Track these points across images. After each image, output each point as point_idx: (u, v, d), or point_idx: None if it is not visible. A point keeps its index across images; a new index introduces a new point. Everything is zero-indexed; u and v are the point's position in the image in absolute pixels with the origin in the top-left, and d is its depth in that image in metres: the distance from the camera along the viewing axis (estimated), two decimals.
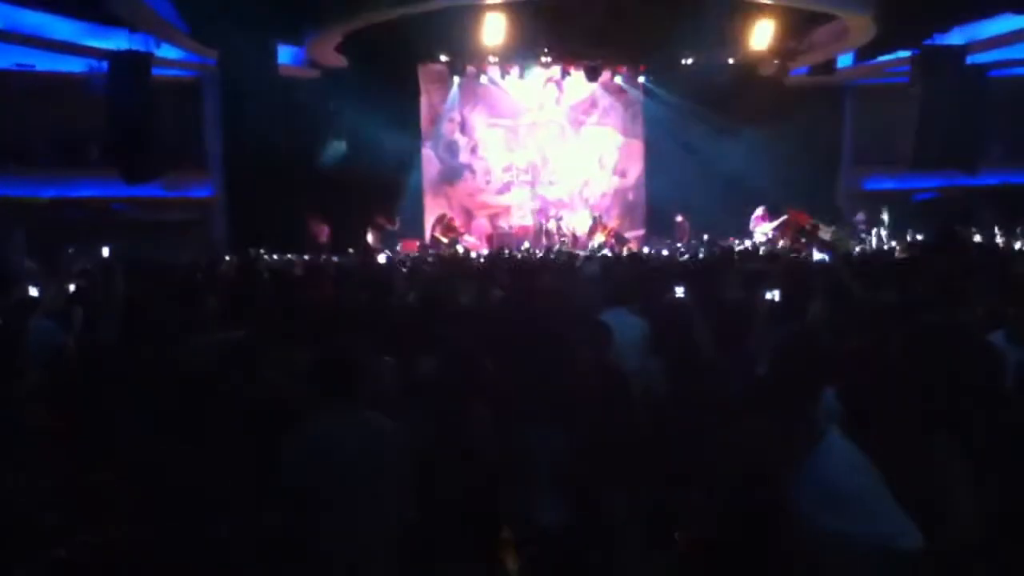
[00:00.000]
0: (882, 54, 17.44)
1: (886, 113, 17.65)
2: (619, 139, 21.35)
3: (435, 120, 20.47)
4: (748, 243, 17.47)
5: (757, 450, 3.63)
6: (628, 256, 13.12)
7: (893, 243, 15.60)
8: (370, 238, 17.82)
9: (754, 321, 5.00)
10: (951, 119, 15.74)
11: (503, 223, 20.60)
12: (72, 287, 8.53)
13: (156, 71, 14.78)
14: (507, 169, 20.88)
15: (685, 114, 19.37)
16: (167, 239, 16.38)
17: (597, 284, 7.30)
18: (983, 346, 3.63)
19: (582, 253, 15.64)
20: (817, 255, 12.01)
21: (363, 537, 3.14)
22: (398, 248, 17.96)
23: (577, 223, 20.27)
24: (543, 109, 20.73)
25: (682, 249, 16.74)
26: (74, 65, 15.44)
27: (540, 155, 20.95)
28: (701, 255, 14.34)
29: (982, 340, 3.76)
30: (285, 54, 16.10)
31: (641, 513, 3.23)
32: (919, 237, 14.38)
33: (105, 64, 14.43)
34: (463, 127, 20.63)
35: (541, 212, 20.57)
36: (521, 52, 17.93)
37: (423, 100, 20.16)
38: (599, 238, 19.08)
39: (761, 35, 16.47)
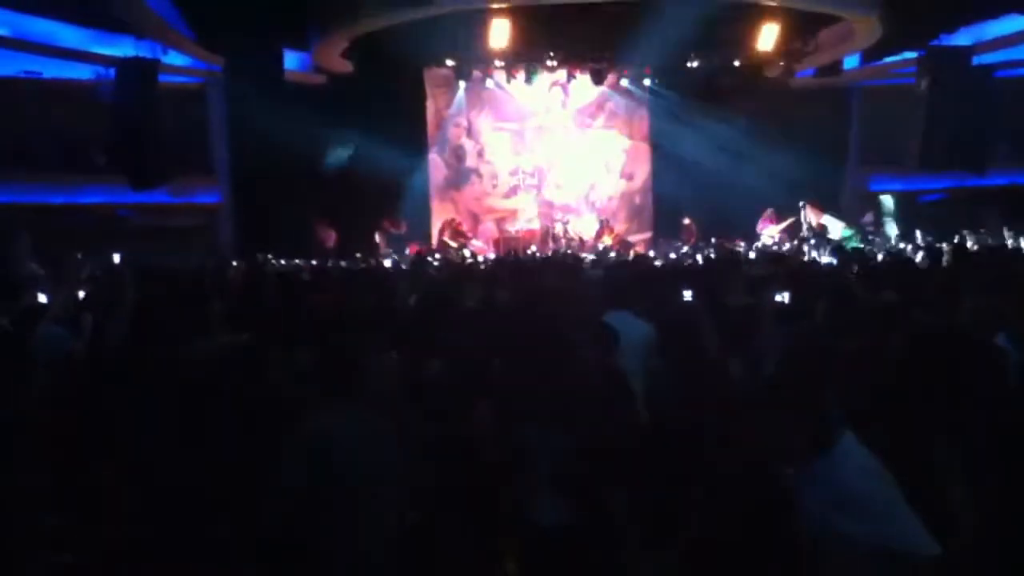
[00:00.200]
0: (888, 55, 17.41)
1: (892, 114, 17.58)
2: (625, 142, 21.33)
3: (441, 125, 20.50)
4: (759, 244, 17.50)
5: (764, 450, 3.64)
6: (633, 259, 13.12)
7: (901, 244, 15.57)
8: (377, 242, 17.90)
9: (760, 323, 5.00)
10: (958, 120, 15.69)
11: (510, 227, 20.58)
12: (81, 293, 8.57)
13: (163, 77, 14.83)
14: (513, 173, 20.88)
15: (691, 116, 19.32)
16: (174, 245, 16.43)
17: (602, 286, 7.30)
18: (984, 347, 3.64)
19: (588, 256, 15.62)
20: (825, 258, 11.98)
21: (363, 537, 3.14)
22: (406, 252, 17.98)
23: (584, 227, 20.27)
24: (549, 113, 20.73)
25: (689, 252, 16.72)
26: (81, 72, 15.52)
27: (546, 159, 20.95)
28: (704, 257, 14.32)
29: (983, 341, 3.76)
30: (291, 60, 16.14)
31: (642, 513, 3.23)
32: (928, 242, 14.33)
33: (112, 71, 14.49)
34: (469, 131, 20.65)
35: (548, 216, 20.54)
36: (527, 56, 17.94)
37: (429, 105, 20.19)
38: (606, 241, 19.08)
39: (767, 37, 16.45)
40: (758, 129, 18.09)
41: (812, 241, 16.84)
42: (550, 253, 17.22)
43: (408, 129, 19.16)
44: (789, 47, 17.41)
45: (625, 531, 3.19)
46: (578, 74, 19.28)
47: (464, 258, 16.46)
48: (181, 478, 3.08)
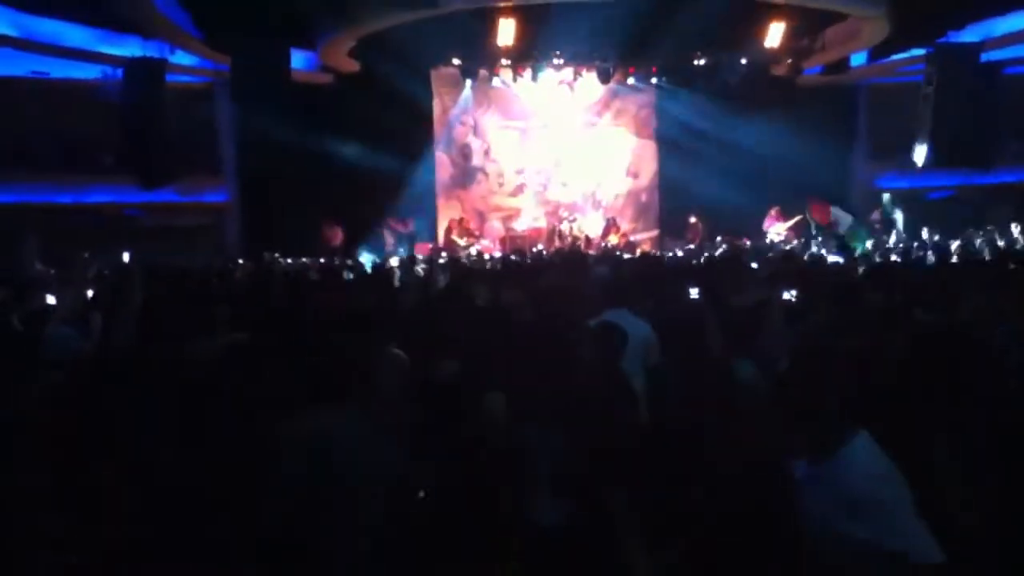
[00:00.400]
0: (895, 53, 17.36)
1: (900, 112, 17.55)
2: (632, 140, 21.32)
3: (448, 124, 20.53)
4: (769, 239, 17.49)
5: (767, 450, 3.65)
6: (638, 257, 13.12)
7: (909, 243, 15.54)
8: (386, 240, 17.98)
9: (767, 322, 4.99)
10: (965, 117, 15.65)
11: (516, 226, 20.60)
12: (90, 293, 8.62)
13: (170, 77, 14.89)
14: (520, 172, 20.90)
15: (698, 114, 19.30)
16: (181, 244, 16.51)
17: (605, 284, 7.31)
18: (984, 347, 3.64)
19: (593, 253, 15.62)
20: (832, 257, 11.97)
21: (363, 537, 3.15)
22: (413, 251, 18.01)
23: (590, 225, 20.27)
24: (555, 111, 20.72)
25: (695, 250, 16.72)
26: (88, 72, 15.59)
27: (553, 157, 20.95)
28: (707, 255, 14.31)
29: (984, 340, 3.77)
30: (298, 59, 16.18)
31: (643, 514, 3.23)
32: (935, 242, 14.28)
33: (119, 71, 14.56)
34: (476, 130, 20.68)
35: (554, 214, 20.55)
36: (533, 54, 17.95)
37: (436, 104, 20.23)
38: (612, 240, 19.09)
39: (774, 34, 16.43)
40: (765, 127, 18.07)
41: (819, 238, 16.82)
42: (555, 251, 17.22)
43: (414, 128, 19.20)
44: (796, 44, 17.39)
45: (625, 531, 3.19)
46: (584, 72, 19.27)
47: (471, 256, 16.49)
48: (181, 478, 3.09)
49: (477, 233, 19.65)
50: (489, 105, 20.58)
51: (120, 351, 4.68)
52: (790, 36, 16.66)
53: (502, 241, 19.87)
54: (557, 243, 19.18)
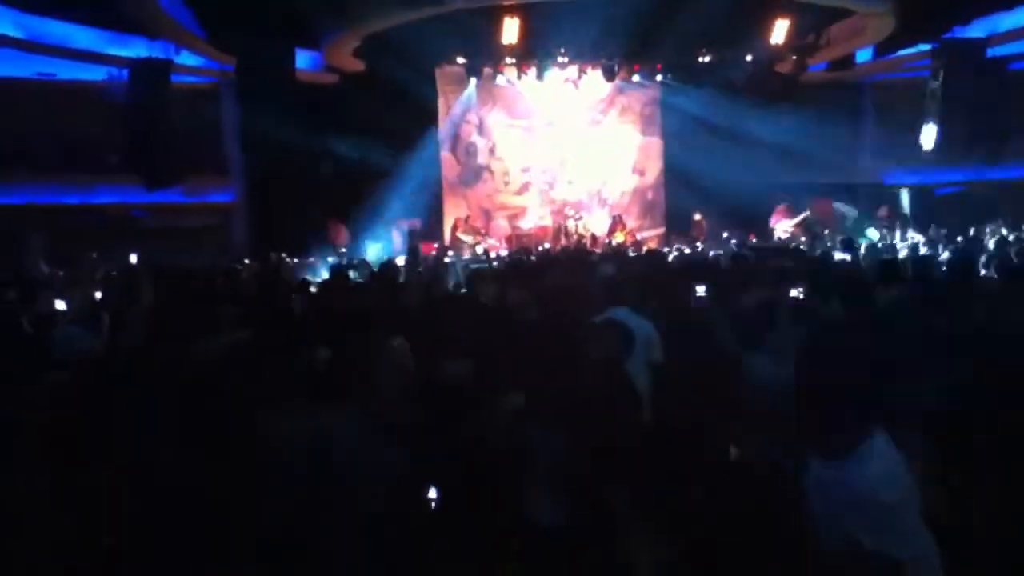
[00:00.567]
0: (901, 48, 17.31)
1: (906, 108, 17.49)
2: (637, 138, 21.28)
3: (453, 122, 20.52)
4: (776, 236, 17.46)
5: (772, 450, 3.64)
6: (642, 255, 13.10)
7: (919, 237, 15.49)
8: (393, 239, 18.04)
9: (775, 319, 4.98)
10: (972, 112, 15.60)
11: (522, 224, 20.58)
12: (99, 294, 8.66)
13: (175, 78, 14.93)
14: (525, 170, 20.88)
15: (703, 111, 19.25)
16: (187, 245, 16.55)
17: (609, 283, 7.30)
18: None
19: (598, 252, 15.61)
20: (839, 255, 11.94)
21: (363, 537, 3.15)
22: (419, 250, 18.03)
23: (596, 223, 20.25)
24: (560, 109, 20.69)
25: (702, 248, 16.69)
26: (94, 73, 15.63)
27: (558, 155, 20.92)
28: (718, 253, 14.27)
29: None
30: (303, 59, 16.20)
31: (644, 513, 3.22)
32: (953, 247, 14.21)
33: (125, 72, 14.60)
34: (481, 129, 20.66)
35: (560, 213, 20.52)
36: (538, 52, 17.93)
37: (441, 103, 20.20)
38: (619, 238, 19.06)
39: (779, 31, 16.39)
40: (771, 123, 18.02)
41: (824, 236, 16.79)
42: (560, 249, 17.21)
43: (420, 127, 19.20)
44: (801, 41, 17.34)
45: (626, 531, 3.18)
46: (589, 70, 19.22)
47: (477, 255, 16.50)
48: (181, 478, 3.10)
49: (483, 232, 19.64)
50: (494, 103, 20.56)
51: (127, 351, 4.70)
52: (795, 33, 16.62)
53: (508, 239, 19.85)
54: (563, 241, 19.17)
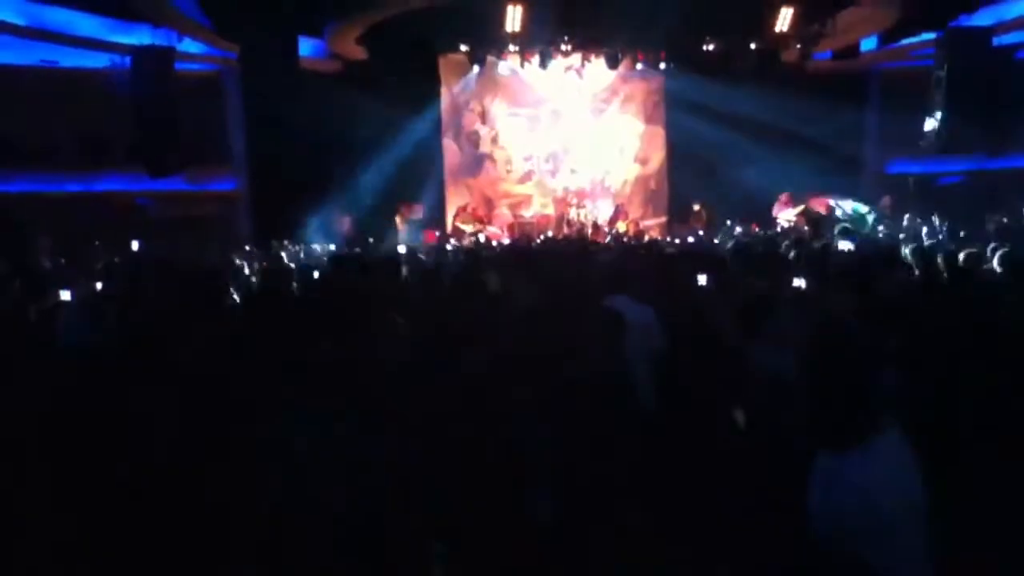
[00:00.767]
0: (906, 37, 17.23)
1: (911, 97, 17.43)
2: (640, 127, 21.24)
3: (456, 111, 20.49)
4: (779, 225, 17.42)
5: (775, 443, 3.65)
6: (644, 244, 13.10)
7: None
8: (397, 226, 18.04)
9: (777, 309, 4.98)
10: (977, 101, 15.54)
11: (524, 212, 20.57)
12: (101, 284, 8.67)
13: (179, 65, 14.91)
14: (528, 158, 20.85)
15: (707, 100, 19.17)
16: (192, 233, 16.54)
17: (607, 271, 7.31)
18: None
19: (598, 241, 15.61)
20: (842, 244, 11.92)
21: (358, 535, 3.16)
22: (421, 238, 18.05)
23: (599, 212, 20.23)
24: (563, 98, 20.65)
25: (703, 237, 16.67)
26: (97, 61, 15.61)
27: (561, 144, 20.90)
28: (720, 242, 14.27)
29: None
30: (306, 47, 16.16)
31: (644, 511, 3.22)
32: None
33: (128, 59, 14.59)
34: (484, 117, 20.63)
35: (562, 201, 20.50)
36: (541, 41, 17.86)
37: (444, 91, 20.17)
38: (621, 226, 19.05)
39: (783, 19, 16.31)
40: (774, 113, 17.98)
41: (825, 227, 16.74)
42: (561, 238, 17.20)
43: (423, 115, 19.18)
44: (806, 30, 17.26)
45: (626, 530, 3.18)
46: (592, 58, 19.12)
47: (479, 243, 16.48)
48: (181, 477, 3.11)
49: (485, 220, 19.63)
50: (497, 92, 20.51)
51: (130, 341, 4.72)
52: (800, 21, 16.53)
53: (510, 228, 19.84)
54: (566, 230, 19.16)
